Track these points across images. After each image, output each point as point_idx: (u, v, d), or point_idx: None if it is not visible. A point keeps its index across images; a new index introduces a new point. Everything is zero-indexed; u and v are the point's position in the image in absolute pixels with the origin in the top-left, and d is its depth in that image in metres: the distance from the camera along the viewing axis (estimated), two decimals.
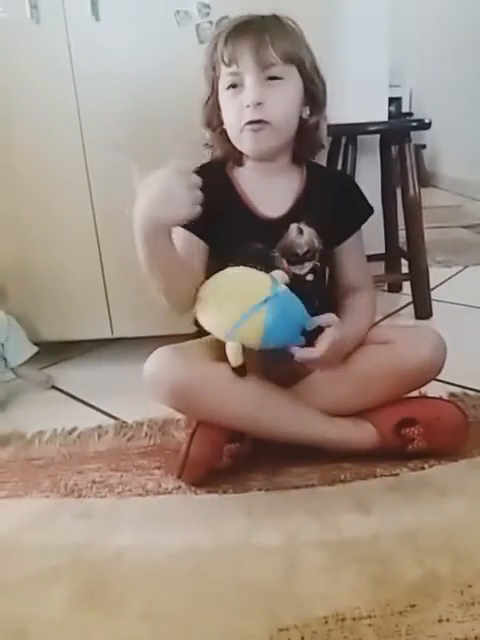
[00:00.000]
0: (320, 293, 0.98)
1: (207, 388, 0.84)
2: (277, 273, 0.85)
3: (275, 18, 0.90)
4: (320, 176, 1.00)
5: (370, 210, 1.03)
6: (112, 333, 1.32)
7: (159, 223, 0.74)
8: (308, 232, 0.94)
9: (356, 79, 1.54)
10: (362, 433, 0.89)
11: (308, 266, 0.95)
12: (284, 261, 0.94)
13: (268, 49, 0.86)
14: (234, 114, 0.89)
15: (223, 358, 0.89)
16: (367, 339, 0.94)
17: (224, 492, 0.87)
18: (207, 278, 0.91)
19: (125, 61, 1.13)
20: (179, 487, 0.88)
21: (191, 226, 0.91)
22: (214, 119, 0.94)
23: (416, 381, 0.90)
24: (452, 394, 1.08)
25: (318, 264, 0.96)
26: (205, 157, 1.02)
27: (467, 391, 1.10)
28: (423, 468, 0.88)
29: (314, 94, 0.93)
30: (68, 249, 1.26)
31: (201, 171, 0.91)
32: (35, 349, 1.25)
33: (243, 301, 0.80)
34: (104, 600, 0.69)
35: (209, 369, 0.86)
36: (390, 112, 1.75)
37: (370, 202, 1.03)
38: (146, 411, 1.06)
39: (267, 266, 0.90)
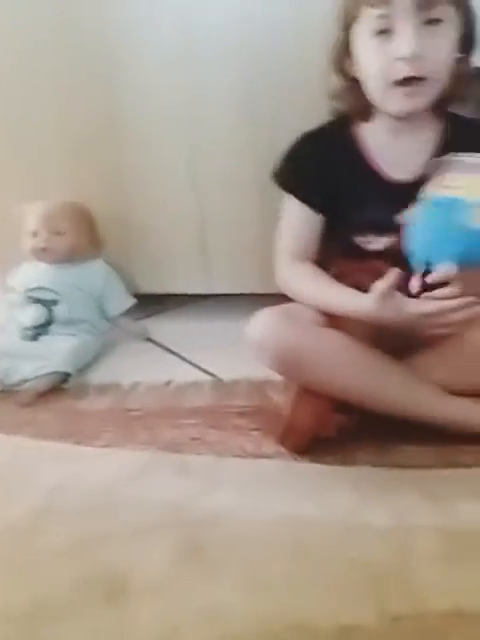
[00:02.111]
0: None
1: (316, 355, 0.78)
2: None
3: None
4: (461, 128, 0.85)
5: None
6: (209, 288, 1.29)
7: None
8: None
9: None
10: None
11: None
12: None
13: None
14: (380, 66, 0.76)
15: (331, 323, 0.82)
16: None
17: (328, 464, 0.81)
18: (322, 247, 0.88)
19: (239, 9, 1.04)
20: (279, 452, 0.83)
21: (309, 199, 0.87)
22: (345, 67, 0.82)
23: None
24: None
25: None
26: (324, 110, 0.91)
27: None
28: None
29: (469, 33, 0.78)
30: (168, 201, 1.23)
31: (320, 133, 0.88)
32: (133, 300, 1.24)
33: None
34: (202, 562, 0.66)
35: (318, 335, 0.80)
36: None
37: None
38: (242, 369, 1.01)
39: (392, 233, 0.82)
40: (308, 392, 0.81)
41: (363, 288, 0.78)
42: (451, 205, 0.71)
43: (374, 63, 0.77)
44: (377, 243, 0.86)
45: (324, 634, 0.57)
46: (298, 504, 0.74)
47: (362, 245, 0.87)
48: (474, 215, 0.68)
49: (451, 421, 0.80)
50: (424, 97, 0.78)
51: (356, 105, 0.84)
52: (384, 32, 0.74)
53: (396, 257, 0.80)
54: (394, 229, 0.83)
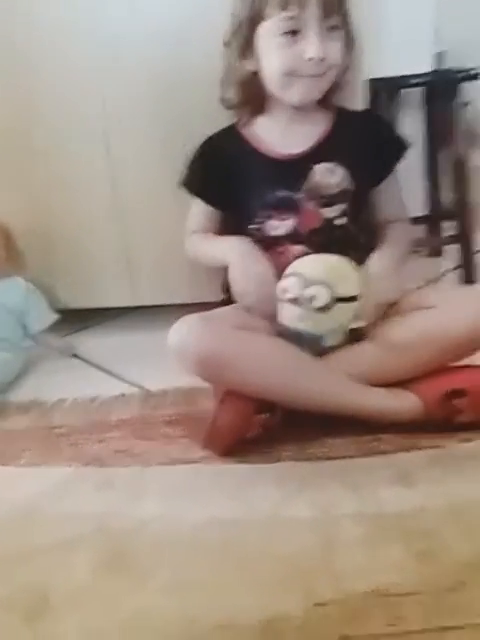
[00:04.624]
0: (354, 243, 0.93)
1: (237, 358, 0.80)
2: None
3: None
4: (348, 117, 0.96)
5: (405, 145, 0.98)
6: (134, 300, 1.28)
7: None
8: (339, 172, 0.91)
9: (398, 28, 1.43)
10: (404, 403, 0.83)
11: (339, 209, 0.91)
12: (312, 203, 0.90)
13: None
14: (286, 63, 0.84)
15: (251, 325, 0.85)
16: (409, 304, 0.88)
17: (253, 463, 0.81)
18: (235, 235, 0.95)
19: (147, 19, 1.05)
20: (206, 457, 0.83)
21: (208, 198, 0.98)
22: (245, 61, 0.89)
23: (464, 348, 0.83)
24: None
25: (348, 207, 0.92)
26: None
27: None
28: (470, 440, 0.81)
29: (350, 37, 0.89)
30: (90, 214, 1.21)
31: (214, 136, 0.98)
32: (55, 316, 1.21)
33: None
34: (128, 570, 0.65)
35: (239, 337, 0.82)
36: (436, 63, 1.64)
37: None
38: (170, 380, 1.00)
39: (293, 211, 0.90)
40: (231, 394, 0.81)
41: (280, 271, 0.85)
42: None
43: (280, 59, 0.85)
44: (282, 227, 0.92)
45: (251, 629, 0.57)
46: (224, 505, 0.74)
47: (269, 231, 0.93)
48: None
49: (369, 412, 0.83)
50: (320, 89, 0.89)
51: (253, 96, 0.92)
52: (291, 32, 0.82)
53: (300, 239, 0.91)
54: (294, 207, 0.90)
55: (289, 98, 0.89)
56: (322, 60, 0.83)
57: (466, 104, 1.39)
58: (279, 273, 0.86)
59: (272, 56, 0.85)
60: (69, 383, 1.10)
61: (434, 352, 0.83)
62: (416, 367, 0.84)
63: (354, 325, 0.84)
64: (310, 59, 0.82)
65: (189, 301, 1.21)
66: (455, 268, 1.48)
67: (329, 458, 0.81)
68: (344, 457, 0.80)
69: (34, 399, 1.04)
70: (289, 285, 0.82)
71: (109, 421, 0.96)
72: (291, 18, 0.82)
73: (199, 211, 1.01)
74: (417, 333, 0.83)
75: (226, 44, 0.91)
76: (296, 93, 0.87)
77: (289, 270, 0.84)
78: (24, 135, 1.15)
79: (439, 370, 0.83)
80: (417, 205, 1.54)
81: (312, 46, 0.82)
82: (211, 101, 0.97)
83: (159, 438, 0.89)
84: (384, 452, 0.80)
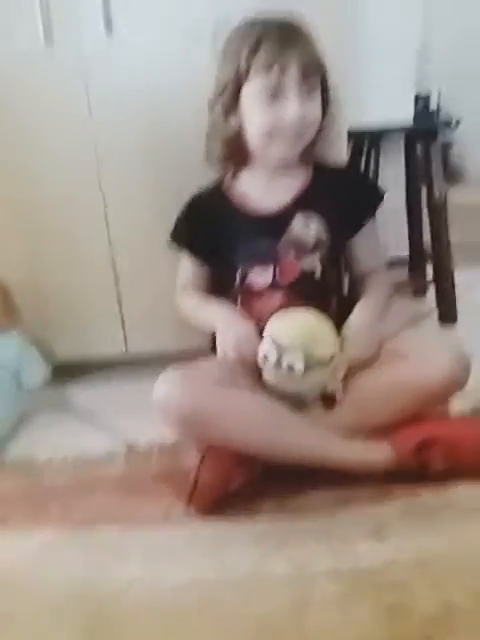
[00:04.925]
0: (334, 291, 0.98)
1: (219, 414, 0.82)
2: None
3: (295, 20, 0.90)
4: (325, 171, 1.00)
5: (380, 195, 1.01)
6: (126, 349, 1.31)
7: None
8: (315, 224, 0.94)
9: (380, 78, 1.48)
10: (379, 454, 0.84)
11: (316, 260, 0.95)
12: (291, 255, 0.94)
13: (312, 61, 0.88)
14: (268, 122, 0.90)
15: (233, 380, 0.87)
16: (384, 352, 0.90)
17: (233, 519, 0.83)
18: (221, 287, 1.01)
19: (139, 78, 1.11)
20: (188, 515, 0.85)
21: (194, 253, 1.03)
22: (230, 118, 0.94)
23: (437, 398, 0.85)
24: (475, 409, 1.01)
25: (325, 258, 0.95)
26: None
27: None
28: (443, 490, 0.82)
29: (327, 96, 0.94)
30: (81, 266, 1.25)
31: (199, 194, 1.03)
32: (48, 370, 1.25)
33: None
34: (110, 637, 0.67)
35: (221, 393, 0.84)
36: (417, 109, 1.68)
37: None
38: (158, 433, 1.02)
39: (274, 262, 0.94)
40: (212, 450, 0.84)
41: (263, 322, 0.90)
42: None
43: (261, 120, 0.90)
44: (263, 278, 0.96)
45: None
46: (203, 565, 0.76)
47: (252, 283, 0.97)
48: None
49: (346, 464, 0.84)
50: (299, 147, 0.94)
51: (236, 152, 0.97)
52: (272, 94, 0.88)
53: (281, 289, 0.95)
54: (274, 259, 0.94)
55: (270, 155, 0.94)
56: (301, 120, 0.88)
57: (449, 145, 1.43)
58: (262, 324, 0.90)
59: (254, 116, 0.91)
60: (61, 438, 1.13)
61: (408, 402, 0.85)
62: (390, 416, 0.86)
63: (329, 387, 0.86)
64: (290, 120, 0.88)
65: (180, 349, 1.24)
66: (433, 309, 1.50)
67: (308, 512, 0.82)
68: (322, 510, 0.82)
69: (26, 457, 1.06)
70: (268, 353, 0.84)
71: (96, 480, 0.98)
72: (273, 81, 0.87)
73: (188, 266, 1.06)
74: (391, 383, 0.86)
75: (210, 104, 0.96)
76: (276, 151, 0.93)
77: (266, 333, 0.87)
78: (19, 190, 1.20)
79: (412, 420, 0.85)
80: (400, 246, 1.57)
81: (292, 108, 0.87)
82: (201, 155, 1.02)
83: (144, 497, 0.91)
84: (360, 504, 0.82)
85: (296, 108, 0.87)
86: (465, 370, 0.84)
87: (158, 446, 1.04)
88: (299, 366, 0.82)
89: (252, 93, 0.89)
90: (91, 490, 0.95)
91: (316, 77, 0.90)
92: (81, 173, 1.18)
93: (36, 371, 1.24)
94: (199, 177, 1.05)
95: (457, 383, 0.85)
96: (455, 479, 0.83)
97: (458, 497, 0.81)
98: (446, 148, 3.68)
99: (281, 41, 0.86)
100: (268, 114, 0.89)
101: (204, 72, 0.99)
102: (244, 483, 0.86)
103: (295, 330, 0.85)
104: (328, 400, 0.87)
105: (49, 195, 1.20)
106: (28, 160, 1.18)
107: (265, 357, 0.85)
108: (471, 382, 0.85)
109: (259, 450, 0.84)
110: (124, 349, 1.31)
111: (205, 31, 1.04)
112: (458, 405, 0.95)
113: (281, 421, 0.86)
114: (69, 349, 1.32)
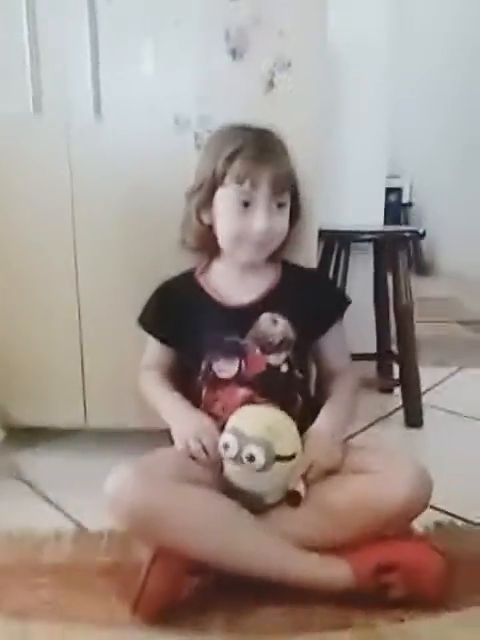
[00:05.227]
0: (300, 387, 0.98)
1: (170, 513, 0.78)
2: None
3: (274, 135, 0.95)
4: (294, 273, 1.03)
5: (346, 302, 1.05)
6: (86, 422, 1.26)
7: None
8: (282, 322, 0.96)
9: (352, 183, 1.56)
10: (337, 572, 0.81)
11: (282, 356, 0.96)
12: (257, 349, 0.95)
13: (283, 178, 0.92)
14: (237, 228, 0.94)
15: (192, 473, 0.84)
16: (349, 464, 0.88)
17: (181, 633, 0.77)
18: (186, 373, 1.01)
19: (124, 161, 1.12)
20: (133, 621, 0.79)
21: (161, 337, 1.04)
22: (203, 215, 0.97)
23: (397, 520, 0.83)
24: (438, 524, 1.01)
25: (291, 355, 0.97)
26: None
27: (455, 520, 1.03)
28: (402, 620, 0.79)
29: (295, 206, 0.99)
30: (49, 335, 1.22)
31: (170, 281, 1.05)
32: (2, 434, 1.19)
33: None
34: None
35: (175, 491, 0.81)
36: (389, 205, 1.76)
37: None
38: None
39: (240, 356, 0.95)
40: (162, 555, 0.79)
41: (225, 415, 0.89)
42: None
43: (230, 225, 0.94)
44: (229, 369, 0.96)
45: None
46: None
47: (217, 373, 0.96)
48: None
49: (303, 579, 0.81)
50: (264, 253, 0.98)
51: (207, 245, 1.00)
52: (244, 203, 0.92)
53: (246, 382, 0.95)
54: (240, 352, 0.95)
55: (237, 257, 0.98)
56: (267, 232, 0.93)
57: (422, 235, 1.48)
58: (224, 417, 0.89)
59: (225, 219, 0.94)
60: (7, 510, 1.06)
61: (369, 520, 0.82)
62: (350, 532, 0.83)
63: (291, 486, 0.84)
64: (256, 231, 0.92)
65: (141, 427, 1.21)
66: (398, 408, 1.52)
67: (261, 632, 0.77)
68: (274, 634, 0.77)
69: None
70: (229, 443, 0.82)
71: (40, 563, 0.92)
72: (245, 192, 0.90)
73: (154, 348, 1.06)
74: (352, 499, 0.83)
75: (188, 196, 0.99)
76: (243, 254, 0.97)
77: (229, 425, 0.86)
78: None
79: (373, 540, 0.83)
80: (368, 343, 1.60)
81: (259, 221, 0.91)
82: (175, 241, 1.04)
83: (88, 591, 0.85)
84: (316, 629, 0.77)
85: (262, 222, 0.91)
86: (427, 496, 0.83)
87: (108, 531, 0.98)
88: (260, 459, 0.80)
89: (225, 198, 0.93)
90: (32, 574, 0.89)
91: (286, 191, 0.94)
92: (56, 244, 1.17)
93: None
94: (173, 261, 1.07)
95: (420, 504, 0.83)
96: (414, 608, 0.80)
97: (418, 631, 0.77)
98: (416, 240, 3.84)
99: (256, 156, 0.90)
100: (237, 222, 0.93)
101: (188, 161, 1.02)
102: (195, 592, 0.81)
103: (259, 423, 0.84)
104: (292, 497, 0.84)
105: (21, 262, 1.19)
106: (2, 225, 1.17)
107: (226, 446, 0.83)
108: (435, 494, 0.83)
109: (212, 556, 0.80)
110: (83, 421, 1.26)
111: (191, 121, 1.08)
112: (422, 519, 0.93)
113: (237, 524, 0.82)
114: (27, 415, 1.26)
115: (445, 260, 3.87)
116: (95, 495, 1.01)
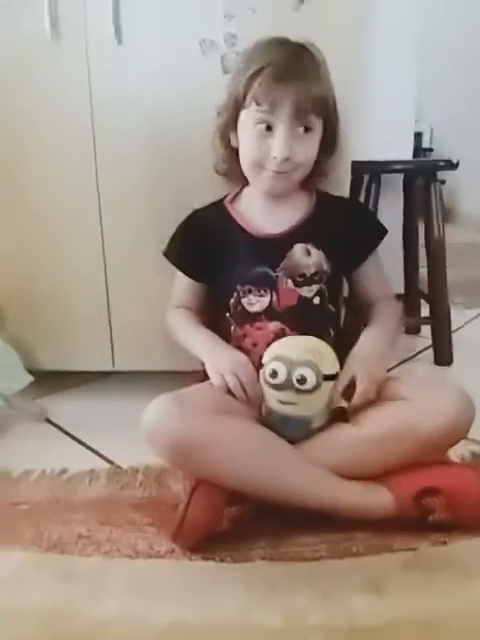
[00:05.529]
0: (332, 321, 0.96)
1: (210, 446, 0.77)
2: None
3: (308, 53, 0.87)
4: (329, 203, 0.98)
5: (383, 231, 1.00)
6: (114, 365, 1.25)
7: None
8: (316, 254, 0.93)
9: (382, 115, 1.49)
10: (377, 499, 0.80)
11: (315, 289, 0.93)
12: (289, 281, 0.92)
13: (307, 101, 0.84)
14: (256, 153, 0.88)
15: (229, 406, 0.83)
16: (383, 394, 0.86)
17: (222, 560, 0.78)
18: (215, 309, 0.98)
19: (145, 88, 1.07)
20: (173, 550, 0.79)
21: (189, 271, 1.00)
22: (228, 138, 0.93)
23: (438, 446, 0.81)
24: (475, 454, 0.99)
25: (324, 287, 0.93)
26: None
27: None
28: (445, 543, 0.78)
29: (331, 133, 0.92)
30: (74, 276, 1.20)
31: (199, 211, 1.00)
32: (30, 378, 1.19)
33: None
34: None
35: (213, 422, 0.80)
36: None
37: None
38: (143, 454, 0.96)
39: (271, 288, 0.92)
40: (202, 486, 0.79)
41: (256, 350, 0.89)
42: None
43: (250, 150, 0.89)
44: (259, 303, 0.93)
45: None
46: (189, 608, 0.70)
47: (247, 306, 0.93)
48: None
49: (343, 507, 0.80)
50: (287, 183, 0.91)
51: (232, 170, 0.95)
52: (265, 126, 0.85)
53: (277, 315, 0.92)
54: (271, 284, 0.92)
55: (257, 186, 0.93)
56: (287, 160, 0.86)
57: (442, 182, 1.43)
58: (256, 350, 0.88)
59: (245, 143, 0.89)
60: (38, 450, 1.07)
61: (408, 447, 0.81)
62: (390, 460, 0.82)
63: (336, 403, 0.83)
64: (274, 158, 0.86)
65: (168, 369, 1.20)
66: (426, 348, 1.49)
67: (301, 559, 0.77)
68: (315, 558, 0.77)
69: (0, 469, 1.00)
70: (276, 370, 0.81)
71: (75, 500, 0.92)
72: (265, 114, 0.85)
73: (181, 285, 1.03)
74: (391, 427, 0.82)
75: (218, 113, 0.94)
76: (262, 184, 0.91)
77: (269, 355, 0.83)
78: (17, 195, 1.15)
79: (413, 466, 0.81)
80: (396, 283, 1.55)
81: (277, 146, 0.85)
82: (202, 170, 1.00)
83: (125, 525, 0.85)
84: (356, 554, 0.77)
85: (281, 147, 0.85)
86: (470, 419, 0.81)
87: (143, 469, 0.98)
88: (311, 379, 0.79)
89: (246, 119, 0.88)
90: (68, 511, 0.89)
91: (314, 115, 0.86)
92: (78, 179, 1.13)
93: (15, 377, 1.18)
94: (200, 193, 1.02)
95: (462, 430, 0.81)
96: (455, 532, 0.79)
97: (460, 553, 0.77)
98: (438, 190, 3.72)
99: (280, 75, 0.83)
100: (256, 146, 0.87)
101: (213, 86, 0.96)
102: (234, 523, 0.81)
103: (301, 347, 0.83)
104: (339, 414, 0.84)
105: (43, 199, 1.15)
106: (24, 160, 1.13)
107: (273, 374, 0.81)
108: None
109: (252, 486, 0.80)
110: (111, 365, 1.25)
111: (216, 44, 1.02)
112: (458, 449, 0.91)
113: (277, 455, 0.81)
114: (54, 359, 1.25)
115: (465, 206, 3.76)
116: (127, 436, 1.01)
